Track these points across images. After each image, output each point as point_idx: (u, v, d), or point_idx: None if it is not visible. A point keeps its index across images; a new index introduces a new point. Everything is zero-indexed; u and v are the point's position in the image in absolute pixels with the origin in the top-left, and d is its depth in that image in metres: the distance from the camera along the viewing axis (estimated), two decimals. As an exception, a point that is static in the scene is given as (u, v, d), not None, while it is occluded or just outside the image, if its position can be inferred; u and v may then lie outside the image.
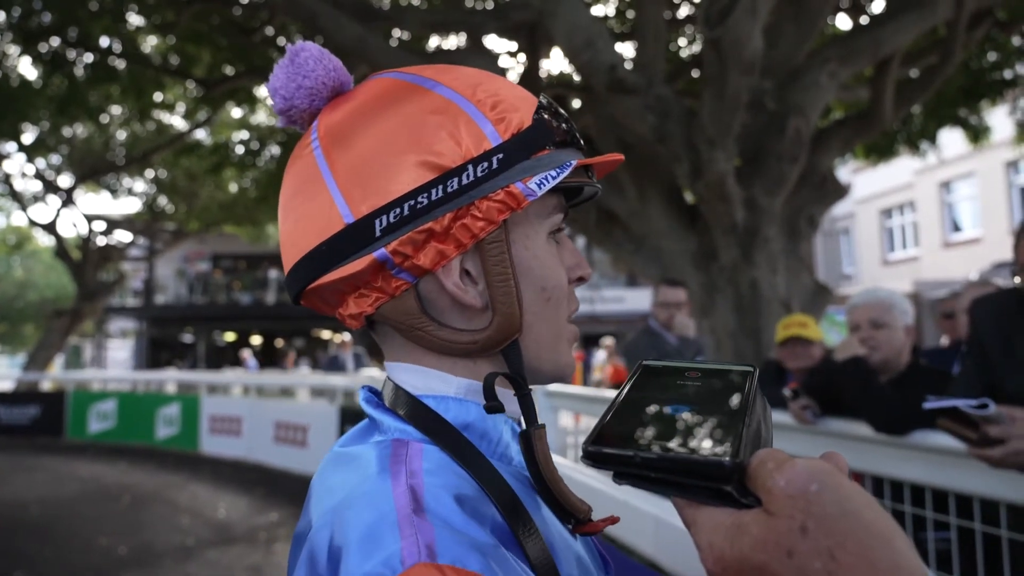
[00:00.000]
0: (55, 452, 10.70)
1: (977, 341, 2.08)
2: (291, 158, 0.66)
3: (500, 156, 0.59)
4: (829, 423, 2.61)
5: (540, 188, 0.59)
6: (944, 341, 4.37)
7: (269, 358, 25.43)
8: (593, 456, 0.47)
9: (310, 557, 0.54)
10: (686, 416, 0.48)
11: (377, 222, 0.58)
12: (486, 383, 0.60)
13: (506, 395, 0.64)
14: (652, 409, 0.50)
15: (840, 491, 0.41)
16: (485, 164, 0.59)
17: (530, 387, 0.65)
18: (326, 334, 27.06)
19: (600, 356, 15.22)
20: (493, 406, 0.59)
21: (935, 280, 15.67)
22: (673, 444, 0.45)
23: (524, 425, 0.62)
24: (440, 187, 0.58)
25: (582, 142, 0.67)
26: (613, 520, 0.65)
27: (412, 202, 0.58)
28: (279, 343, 28.45)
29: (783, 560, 0.40)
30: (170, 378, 12.68)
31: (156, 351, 26.21)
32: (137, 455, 10.20)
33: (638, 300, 22.80)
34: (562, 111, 0.66)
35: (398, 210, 0.58)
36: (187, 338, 27.53)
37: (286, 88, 0.66)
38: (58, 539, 5.89)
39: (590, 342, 25.90)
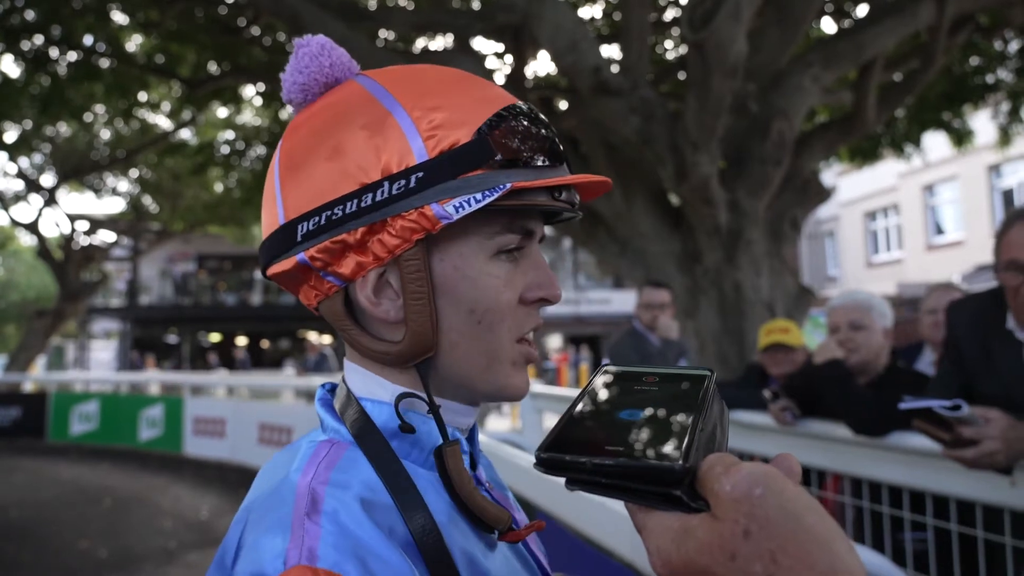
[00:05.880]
0: (36, 454, 10.59)
1: (953, 343, 2.09)
2: None
3: (420, 175, 0.58)
4: (809, 425, 2.62)
5: (457, 212, 0.57)
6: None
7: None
8: (546, 463, 0.46)
9: (222, 552, 0.56)
10: (640, 421, 0.48)
11: (299, 227, 0.60)
12: (395, 403, 0.61)
13: (457, 408, 0.66)
14: (606, 415, 0.50)
15: (783, 495, 0.41)
16: (402, 182, 0.58)
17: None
18: (313, 335, 26.93)
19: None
20: (405, 427, 0.61)
21: (918, 282, 15.81)
22: (625, 449, 0.45)
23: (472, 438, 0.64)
24: (355, 200, 0.58)
25: (558, 156, 0.63)
26: (538, 526, 0.66)
27: (329, 212, 0.59)
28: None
29: (726, 563, 0.40)
30: (153, 379, 12.57)
31: (140, 352, 26.01)
32: (120, 457, 10.12)
33: (624, 302, 22.85)
34: (535, 121, 0.62)
35: (317, 218, 0.59)
36: (171, 339, 27.35)
37: (287, 82, 0.67)
38: (37, 542, 5.82)
39: (576, 343, 25.96)
